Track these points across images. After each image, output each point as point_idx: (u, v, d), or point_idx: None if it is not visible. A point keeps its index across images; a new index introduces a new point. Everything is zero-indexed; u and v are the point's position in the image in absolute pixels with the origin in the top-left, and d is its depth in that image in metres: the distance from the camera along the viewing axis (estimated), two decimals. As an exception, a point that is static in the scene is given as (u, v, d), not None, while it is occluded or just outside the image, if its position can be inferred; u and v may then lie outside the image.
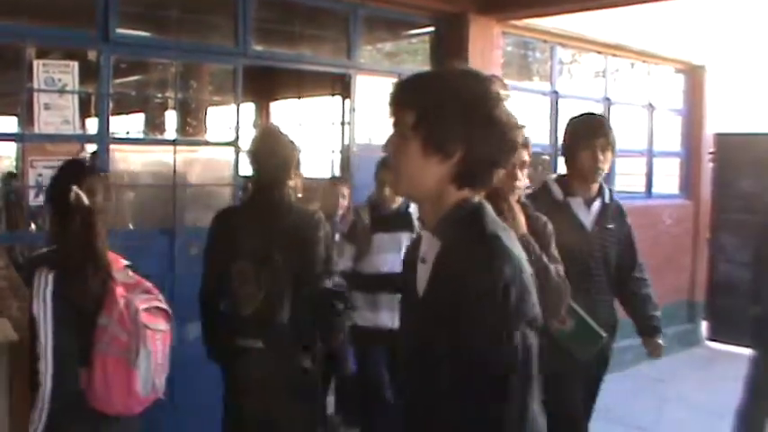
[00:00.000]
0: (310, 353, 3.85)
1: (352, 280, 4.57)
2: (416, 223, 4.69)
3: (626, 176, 9.20)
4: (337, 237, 5.01)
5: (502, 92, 1.90)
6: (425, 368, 1.82)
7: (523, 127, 1.94)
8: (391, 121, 1.89)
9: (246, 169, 5.18)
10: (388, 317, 4.68)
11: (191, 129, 6.27)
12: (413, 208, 4.79)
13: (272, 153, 3.79)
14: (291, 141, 3.88)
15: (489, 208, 1.91)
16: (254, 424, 3.84)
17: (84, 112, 5.06)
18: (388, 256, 4.80)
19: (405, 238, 4.77)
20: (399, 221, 4.88)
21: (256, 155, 3.91)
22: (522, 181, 3.34)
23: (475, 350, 1.70)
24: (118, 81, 5.78)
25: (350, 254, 4.91)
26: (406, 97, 1.89)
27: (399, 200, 4.87)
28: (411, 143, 1.83)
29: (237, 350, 3.74)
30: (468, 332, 1.71)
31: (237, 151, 5.34)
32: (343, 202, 5.70)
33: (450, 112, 1.80)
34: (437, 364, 1.77)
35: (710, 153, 9.32)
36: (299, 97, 10.55)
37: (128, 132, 7.59)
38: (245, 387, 3.78)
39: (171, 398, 5.00)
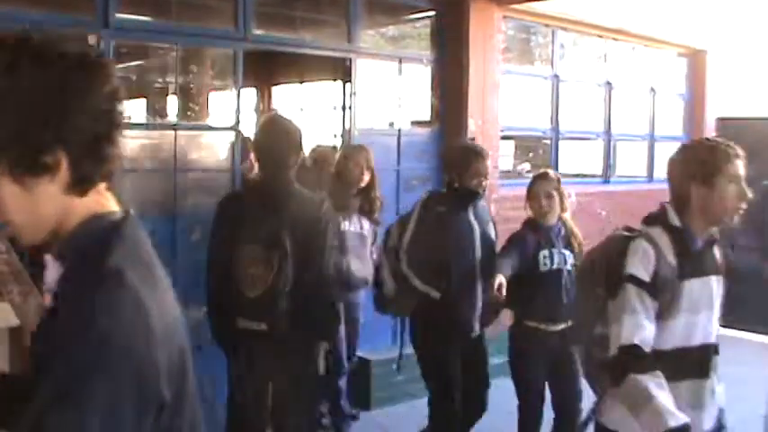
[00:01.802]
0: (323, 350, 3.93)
1: None
2: None
3: (628, 161, 9.20)
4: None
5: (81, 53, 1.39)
6: None
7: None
8: None
9: (247, 154, 5.20)
10: None
11: (192, 114, 6.27)
12: None
13: (277, 139, 3.80)
14: (296, 127, 3.89)
15: (134, 225, 1.49)
16: (257, 410, 3.86)
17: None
18: None
19: None
20: None
21: (261, 141, 3.92)
22: None
23: None
24: (119, 66, 5.78)
25: None
26: None
27: None
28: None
29: (241, 333, 3.76)
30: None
31: (238, 136, 5.34)
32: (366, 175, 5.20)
33: (21, 117, 1.29)
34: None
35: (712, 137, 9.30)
36: (301, 82, 10.54)
37: (129, 117, 7.58)
38: (248, 373, 3.81)
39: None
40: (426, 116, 6.91)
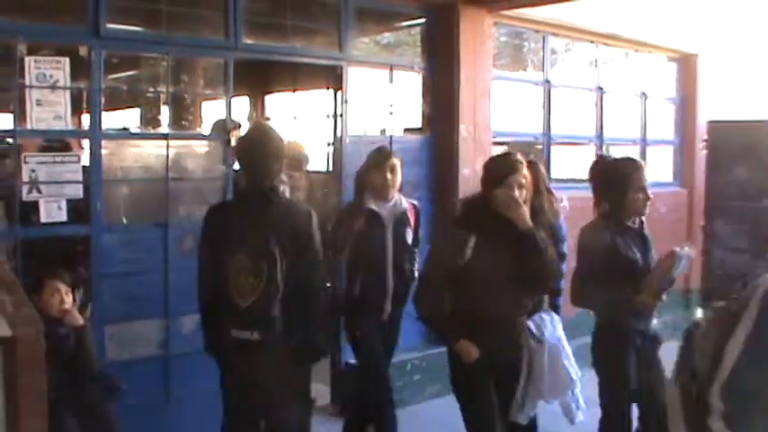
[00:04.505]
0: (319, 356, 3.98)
1: None
2: None
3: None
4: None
5: None
6: None
7: None
8: None
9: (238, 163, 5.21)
10: None
11: (183, 123, 6.28)
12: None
13: (262, 147, 3.82)
14: (278, 135, 3.91)
15: None
16: (251, 417, 3.87)
17: (77, 108, 5.07)
18: None
19: None
20: None
21: (245, 149, 3.94)
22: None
23: None
24: (111, 77, 5.79)
25: None
26: None
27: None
28: None
29: (233, 342, 3.76)
30: None
31: (229, 144, 5.35)
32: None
33: None
34: None
35: (704, 141, 9.32)
36: (294, 90, 10.54)
37: (125, 128, 7.59)
38: (241, 381, 3.82)
39: (168, 389, 5.09)
40: (418, 123, 6.92)
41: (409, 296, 4.70)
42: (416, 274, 4.80)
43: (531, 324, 4.10)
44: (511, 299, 3.89)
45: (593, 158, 4.95)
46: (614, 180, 4.29)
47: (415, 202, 5.15)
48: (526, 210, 3.80)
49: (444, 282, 3.88)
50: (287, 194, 5.68)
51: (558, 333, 4.23)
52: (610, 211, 4.30)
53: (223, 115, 5.46)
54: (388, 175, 4.80)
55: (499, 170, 3.90)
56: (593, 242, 4.19)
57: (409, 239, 4.91)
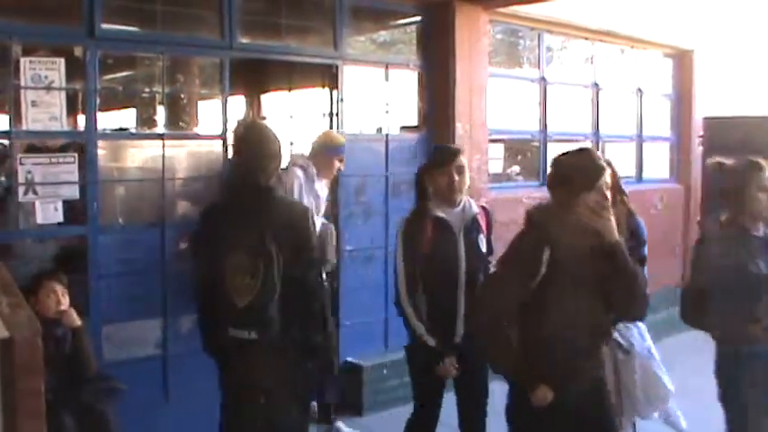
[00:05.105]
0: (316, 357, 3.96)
1: None
2: None
3: (617, 162, 9.22)
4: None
5: None
6: None
7: None
8: None
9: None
10: None
11: (180, 123, 6.28)
12: None
13: (259, 146, 3.81)
14: (274, 134, 3.90)
15: None
16: (250, 419, 3.87)
17: (72, 109, 5.06)
18: None
19: None
20: None
21: (242, 148, 3.94)
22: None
23: None
24: (106, 77, 5.78)
25: None
26: None
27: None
28: None
29: (231, 342, 3.76)
30: None
31: (225, 144, 5.35)
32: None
33: None
34: None
35: (700, 137, 9.35)
36: (290, 89, 10.53)
37: (121, 128, 7.59)
38: (239, 381, 3.82)
39: (166, 389, 5.09)
40: (414, 121, 6.92)
41: None
42: None
43: (616, 334, 3.79)
44: (592, 325, 3.31)
45: (711, 164, 4.39)
46: (734, 184, 3.87)
47: (485, 204, 4.59)
48: (614, 220, 3.26)
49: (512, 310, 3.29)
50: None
51: (647, 342, 3.96)
52: (730, 218, 3.88)
53: (219, 115, 5.44)
54: (456, 177, 4.14)
55: (588, 172, 3.26)
56: (712, 254, 3.79)
57: (483, 247, 4.23)
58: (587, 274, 3.20)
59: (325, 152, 5.46)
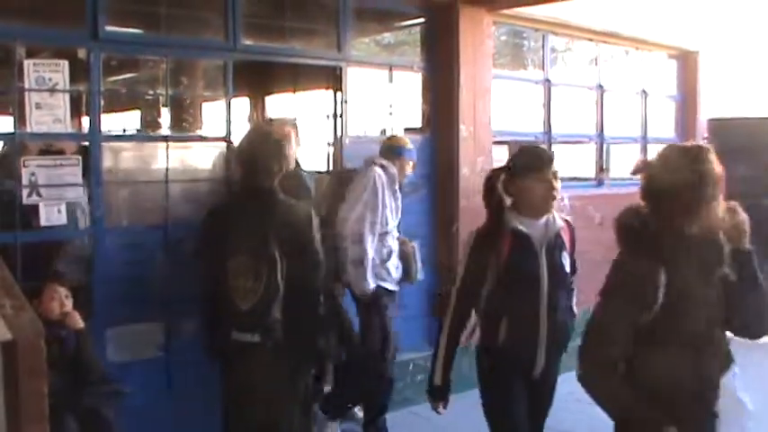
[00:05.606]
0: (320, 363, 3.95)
1: None
2: None
3: (621, 164, 9.21)
4: None
5: None
6: None
7: None
8: None
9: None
10: None
11: (183, 125, 6.27)
12: None
13: (260, 147, 3.81)
14: (280, 135, 3.90)
15: None
16: (251, 419, 3.87)
17: (76, 111, 5.06)
18: None
19: None
20: None
21: (244, 150, 3.94)
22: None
23: None
24: (110, 79, 5.78)
25: None
26: None
27: None
28: None
29: (234, 345, 3.76)
30: None
31: (229, 146, 5.34)
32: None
33: None
34: None
35: (704, 138, 9.32)
36: (294, 91, 10.54)
37: (124, 130, 7.59)
38: (242, 383, 3.81)
39: (169, 391, 5.08)
40: (418, 123, 6.92)
41: (568, 342, 3.69)
42: (575, 310, 3.79)
43: None
44: (715, 355, 2.84)
45: None
46: None
47: (569, 218, 3.94)
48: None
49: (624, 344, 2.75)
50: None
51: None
52: None
53: (223, 117, 5.44)
54: (556, 184, 3.67)
55: (715, 175, 2.81)
56: None
57: (567, 267, 3.72)
58: (711, 294, 2.76)
59: (404, 154, 5.48)
